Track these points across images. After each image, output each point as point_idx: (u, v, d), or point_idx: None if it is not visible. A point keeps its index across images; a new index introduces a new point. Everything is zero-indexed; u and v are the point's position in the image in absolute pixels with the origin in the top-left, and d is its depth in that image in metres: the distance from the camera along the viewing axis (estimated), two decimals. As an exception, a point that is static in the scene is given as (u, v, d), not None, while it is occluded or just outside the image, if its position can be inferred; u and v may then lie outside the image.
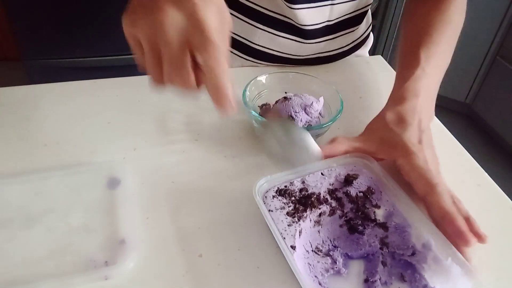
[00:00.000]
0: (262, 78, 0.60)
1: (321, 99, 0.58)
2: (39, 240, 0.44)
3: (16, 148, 0.55)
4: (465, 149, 0.60)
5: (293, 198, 0.46)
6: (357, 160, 0.50)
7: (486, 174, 0.56)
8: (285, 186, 0.47)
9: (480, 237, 0.45)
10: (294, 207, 0.45)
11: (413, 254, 0.42)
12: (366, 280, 0.41)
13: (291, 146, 0.46)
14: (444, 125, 0.65)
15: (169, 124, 0.61)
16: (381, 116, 0.53)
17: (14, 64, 1.82)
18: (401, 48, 0.62)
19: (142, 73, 0.70)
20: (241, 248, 0.45)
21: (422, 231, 0.43)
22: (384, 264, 0.42)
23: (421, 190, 0.46)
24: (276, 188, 0.47)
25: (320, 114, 0.57)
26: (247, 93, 0.57)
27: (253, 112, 0.53)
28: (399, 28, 2.00)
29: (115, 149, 0.56)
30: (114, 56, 1.72)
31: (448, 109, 2.20)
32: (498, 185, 0.55)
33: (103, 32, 1.66)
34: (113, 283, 0.41)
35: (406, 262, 0.42)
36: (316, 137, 0.56)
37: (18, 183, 0.50)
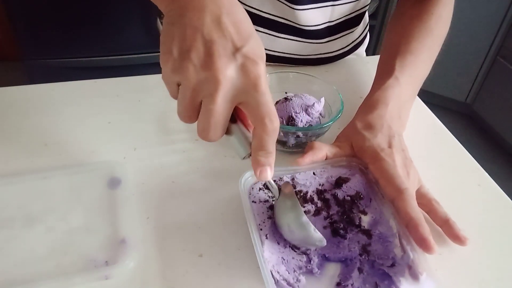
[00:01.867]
0: (263, 78, 0.60)
1: (322, 99, 0.58)
2: (39, 239, 0.44)
3: (16, 148, 0.55)
4: (466, 149, 0.60)
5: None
6: (353, 164, 0.50)
7: (487, 174, 0.56)
8: (274, 181, 0.47)
9: (460, 240, 0.45)
10: None
11: (392, 265, 0.41)
12: (338, 284, 0.40)
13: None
14: (445, 125, 0.65)
15: (170, 124, 0.61)
16: (351, 124, 0.54)
17: (14, 64, 1.82)
18: (380, 57, 0.63)
19: (142, 73, 0.71)
20: (241, 247, 0.45)
21: (404, 243, 0.42)
22: (360, 270, 0.41)
23: (389, 195, 0.46)
24: (265, 181, 0.47)
25: (320, 114, 0.57)
26: None
27: None
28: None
29: (116, 149, 0.56)
30: (114, 56, 1.72)
31: (448, 109, 2.20)
32: (498, 185, 0.55)
33: (103, 32, 1.67)
34: (113, 283, 0.41)
35: (384, 273, 0.41)
36: (316, 137, 0.56)
37: (18, 182, 0.50)
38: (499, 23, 1.87)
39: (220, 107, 0.36)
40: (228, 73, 0.35)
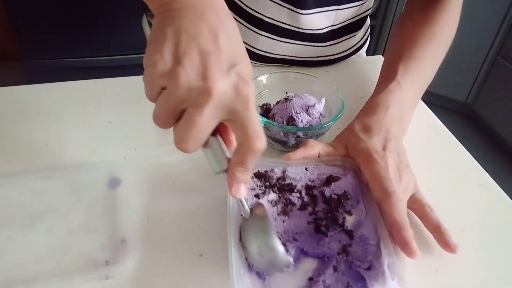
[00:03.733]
0: (263, 78, 0.60)
1: (323, 99, 0.58)
2: (40, 239, 0.44)
3: (17, 147, 0.56)
4: (466, 149, 0.60)
5: (267, 183, 0.47)
6: (347, 165, 0.50)
7: (487, 174, 0.56)
8: (265, 171, 0.48)
9: (449, 247, 0.44)
10: (265, 191, 0.46)
11: (368, 268, 0.41)
12: (310, 278, 0.41)
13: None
14: (445, 125, 0.65)
15: (170, 124, 0.61)
16: (350, 126, 0.54)
17: (14, 64, 1.82)
18: (383, 61, 0.63)
19: (142, 73, 0.71)
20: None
21: (382, 246, 0.42)
22: (335, 269, 0.41)
23: (377, 197, 0.46)
24: (257, 171, 0.48)
25: (321, 114, 0.57)
26: None
27: None
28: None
29: (116, 148, 0.56)
30: (114, 56, 1.72)
31: (449, 109, 2.20)
32: (498, 185, 0.55)
33: (103, 32, 1.66)
34: (113, 283, 0.41)
35: (359, 275, 0.41)
36: (316, 137, 0.56)
37: (19, 182, 0.50)
38: (500, 23, 1.87)
39: (206, 120, 0.34)
40: (221, 87, 0.33)
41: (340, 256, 0.42)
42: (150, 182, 0.52)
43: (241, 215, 0.43)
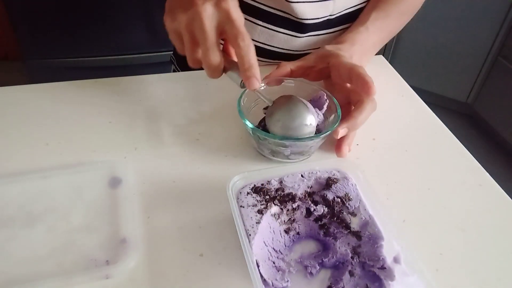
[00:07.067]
0: (261, 85, 0.59)
1: (325, 106, 0.57)
2: (40, 239, 0.44)
3: (17, 147, 0.56)
4: (467, 149, 0.60)
5: (267, 197, 0.46)
6: (341, 166, 0.50)
7: (488, 174, 0.56)
8: (262, 184, 0.47)
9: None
10: (266, 205, 0.45)
11: (382, 267, 0.41)
12: (329, 287, 0.40)
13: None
14: (446, 125, 0.65)
15: (170, 123, 0.61)
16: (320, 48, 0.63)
17: (15, 64, 1.83)
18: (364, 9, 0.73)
19: (143, 72, 0.71)
20: (241, 247, 0.45)
21: (394, 245, 0.42)
22: (351, 274, 0.41)
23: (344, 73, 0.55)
24: (252, 185, 0.47)
25: (324, 114, 0.57)
26: (242, 103, 0.54)
27: (248, 123, 0.52)
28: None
29: (116, 148, 0.56)
30: (114, 56, 1.72)
31: (449, 109, 2.20)
32: (499, 185, 0.55)
33: (104, 32, 1.67)
34: (114, 282, 0.41)
35: (375, 275, 0.41)
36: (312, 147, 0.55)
37: (19, 182, 0.50)
38: (500, 23, 1.87)
39: (208, 31, 0.46)
40: (207, 7, 0.46)
41: (354, 260, 0.42)
42: (150, 182, 0.52)
43: (264, 109, 0.55)
